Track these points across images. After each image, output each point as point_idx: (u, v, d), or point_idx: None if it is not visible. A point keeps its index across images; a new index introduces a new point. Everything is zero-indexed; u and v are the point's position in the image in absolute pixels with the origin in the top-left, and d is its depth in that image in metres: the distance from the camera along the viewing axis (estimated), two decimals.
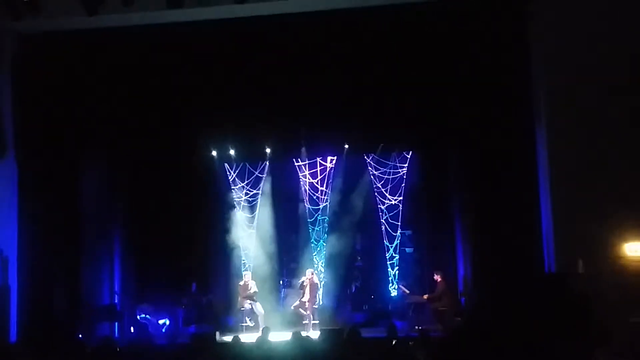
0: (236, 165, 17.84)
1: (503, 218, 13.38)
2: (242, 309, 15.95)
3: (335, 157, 17.71)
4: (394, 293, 17.22)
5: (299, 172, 17.95)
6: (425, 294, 15.52)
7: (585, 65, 12.06)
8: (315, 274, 16.42)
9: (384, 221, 17.53)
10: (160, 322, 16.02)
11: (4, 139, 13.56)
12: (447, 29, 13.25)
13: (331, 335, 10.81)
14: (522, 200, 13.16)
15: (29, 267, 13.59)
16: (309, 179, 17.88)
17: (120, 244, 16.52)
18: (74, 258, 14.72)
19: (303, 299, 15.85)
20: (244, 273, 16.88)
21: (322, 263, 17.83)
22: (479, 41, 13.13)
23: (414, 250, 17.48)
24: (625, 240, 11.74)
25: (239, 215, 17.71)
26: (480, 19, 12.91)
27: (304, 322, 15.58)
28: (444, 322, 14.64)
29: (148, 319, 15.84)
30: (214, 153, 17.46)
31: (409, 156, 17.33)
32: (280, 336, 12.70)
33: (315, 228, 17.95)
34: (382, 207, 17.51)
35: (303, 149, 17.52)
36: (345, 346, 9.41)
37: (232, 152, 17.46)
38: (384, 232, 17.55)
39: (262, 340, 10.72)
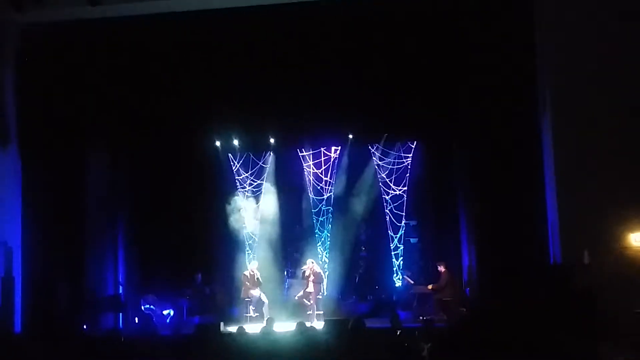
0: (240, 156, 17.82)
1: (508, 209, 13.33)
2: (248, 299, 15.94)
3: (339, 147, 17.67)
4: (398, 283, 17.21)
5: (303, 163, 17.92)
6: (429, 285, 15.49)
7: (590, 62, 12.05)
8: (315, 263, 16.35)
9: (388, 211, 17.50)
10: (165, 312, 16.02)
11: (7, 130, 13.57)
12: (454, 20, 13.22)
13: (335, 325, 10.77)
14: (527, 190, 13.12)
15: (33, 259, 13.64)
16: (313, 169, 17.85)
17: (124, 234, 16.54)
18: (78, 249, 14.74)
19: (307, 290, 15.84)
20: (249, 263, 16.85)
21: (326, 253, 17.83)
22: (485, 32, 13.08)
23: (418, 240, 17.43)
24: (631, 230, 11.71)
25: (243, 206, 17.69)
26: (487, 12, 12.87)
27: (308, 312, 15.57)
28: (448, 312, 14.61)
29: (152, 309, 15.85)
30: (218, 143, 17.44)
31: (413, 146, 17.30)
32: (285, 327, 12.70)
33: (320, 218, 17.94)
34: (387, 198, 17.48)
35: (307, 139, 17.48)
36: (349, 337, 9.41)
37: (236, 142, 17.44)
38: (388, 222, 17.53)
39: (267, 330, 10.73)
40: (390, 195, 17.46)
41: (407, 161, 17.35)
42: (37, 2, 12.70)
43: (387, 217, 17.53)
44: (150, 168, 16.66)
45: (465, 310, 14.30)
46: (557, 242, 12.25)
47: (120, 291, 16.10)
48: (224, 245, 17.48)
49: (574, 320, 7.94)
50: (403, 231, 17.45)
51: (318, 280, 15.95)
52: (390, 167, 17.43)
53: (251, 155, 17.80)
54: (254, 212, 17.82)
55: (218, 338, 10.96)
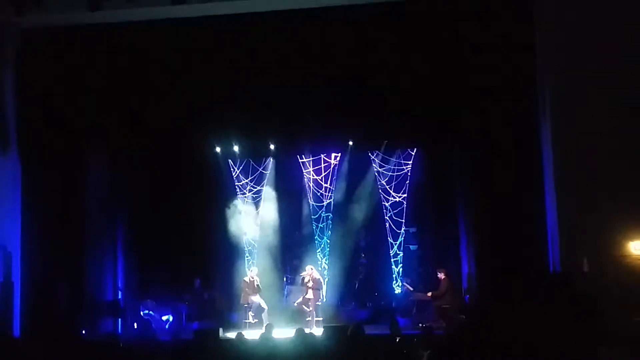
0: (240, 162, 17.83)
1: (508, 216, 13.33)
2: (247, 305, 15.92)
3: (339, 154, 17.67)
4: (397, 290, 17.19)
5: (303, 169, 17.91)
6: (429, 292, 15.48)
7: (590, 63, 12.04)
8: (315, 269, 16.34)
9: (388, 218, 17.49)
10: (164, 318, 16.01)
11: (7, 134, 13.57)
12: (453, 26, 13.22)
13: (334, 332, 10.76)
14: (527, 198, 13.11)
15: (33, 263, 13.62)
16: (313, 175, 17.85)
17: (123, 239, 16.52)
18: (77, 254, 14.73)
19: (306, 296, 15.83)
20: (249, 269, 16.83)
21: (325, 260, 17.81)
22: (485, 32, 13.07)
23: (418, 247, 17.40)
24: (630, 238, 11.71)
25: (243, 212, 17.67)
26: (486, 16, 12.88)
27: (307, 318, 15.55)
28: (447, 319, 14.60)
29: (151, 315, 15.83)
30: (218, 149, 17.43)
31: (413, 153, 17.31)
32: (284, 333, 12.68)
33: (319, 225, 17.93)
34: (386, 204, 17.48)
35: (307, 146, 17.48)
36: (348, 343, 9.39)
37: (236, 148, 17.43)
38: (388, 229, 17.51)
39: (266, 337, 10.70)
40: (390, 202, 17.46)
41: (407, 168, 17.35)
42: (38, 5, 12.71)
43: (387, 224, 17.52)
44: (149, 173, 16.65)
45: (464, 317, 14.27)
46: (556, 249, 12.24)
47: (119, 296, 16.08)
48: (224, 250, 17.47)
49: (573, 328, 7.91)
50: (403, 238, 17.44)
51: (317, 287, 15.94)
52: (390, 174, 17.43)
53: (251, 161, 17.81)
54: (253, 218, 17.81)
55: (217, 344, 10.96)
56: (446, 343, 8.77)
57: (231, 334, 13.29)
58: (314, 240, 17.90)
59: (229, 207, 17.50)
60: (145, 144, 16.01)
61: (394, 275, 17.40)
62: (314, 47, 13.76)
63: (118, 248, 16.39)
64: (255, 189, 17.85)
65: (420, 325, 14.02)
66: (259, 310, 15.88)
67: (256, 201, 17.89)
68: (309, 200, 17.91)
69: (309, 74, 14.18)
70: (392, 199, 17.43)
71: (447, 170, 16.40)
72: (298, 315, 15.86)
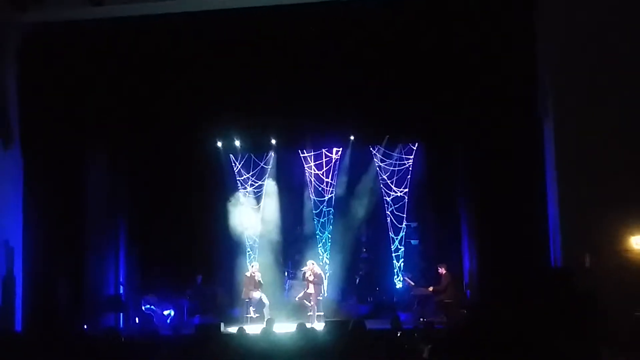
0: (241, 156, 17.83)
1: (509, 211, 13.35)
2: (248, 299, 15.93)
3: (340, 149, 17.67)
4: (399, 285, 17.22)
5: (304, 164, 17.91)
6: (430, 286, 15.49)
7: (591, 62, 12.06)
8: (316, 264, 16.33)
9: (389, 213, 17.51)
10: (165, 313, 16.02)
11: (10, 129, 13.56)
12: (455, 22, 13.21)
13: (336, 326, 10.77)
14: (528, 193, 13.12)
15: (34, 258, 13.64)
16: (314, 170, 17.85)
17: (125, 234, 16.54)
18: (79, 248, 14.75)
19: (308, 291, 15.84)
20: (251, 264, 16.84)
21: (327, 255, 17.82)
22: (486, 34, 13.10)
23: (419, 242, 17.43)
24: (632, 233, 11.71)
25: (244, 207, 17.68)
26: (488, 11, 12.87)
27: (308, 313, 15.57)
28: (448, 314, 14.61)
29: (153, 309, 15.84)
30: (219, 144, 17.43)
31: (415, 148, 17.30)
32: (285, 327, 12.69)
33: (321, 219, 17.94)
34: (388, 199, 17.48)
35: (308, 140, 17.47)
36: (349, 338, 9.39)
37: (237, 143, 17.43)
38: (389, 224, 17.53)
39: (267, 331, 10.71)
40: (391, 197, 17.47)
41: (408, 163, 17.35)
42: (39, 2, 12.69)
43: (388, 219, 17.54)
44: (151, 167, 16.66)
45: (465, 312, 14.28)
46: (558, 245, 12.24)
47: (121, 291, 16.10)
48: (225, 245, 17.47)
49: (574, 324, 7.93)
50: (404, 233, 17.46)
51: (318, 282, 15.95)
52: (391, 168, 17.42)
53: (252, 156, 17.81)
54: (255, 212, 17.81)
55: (218, 338, 10.95)
56: (447, 338, 8.79)
57: (232, 329, 13.31)
58: (315, 235, 17.92)
59: (231, 202, 17.50)
60: (146, 138, 16.01)
61: (395, 270, 17.42)
62: (316, 41, 13.74)
63: (120, 242, 16.41)
64: (257, 184, 17.86)
65: (422, 320, 14.03)
66: (260, 305, 15.88)
67: (257, 196, 17.89)
68: (311, 195, 17.91)
69: (311, 68, 14.17)
70: (394, 193, 17.44)
71: (449, 165, 16.39)
72: (299, 310, 15.88)
